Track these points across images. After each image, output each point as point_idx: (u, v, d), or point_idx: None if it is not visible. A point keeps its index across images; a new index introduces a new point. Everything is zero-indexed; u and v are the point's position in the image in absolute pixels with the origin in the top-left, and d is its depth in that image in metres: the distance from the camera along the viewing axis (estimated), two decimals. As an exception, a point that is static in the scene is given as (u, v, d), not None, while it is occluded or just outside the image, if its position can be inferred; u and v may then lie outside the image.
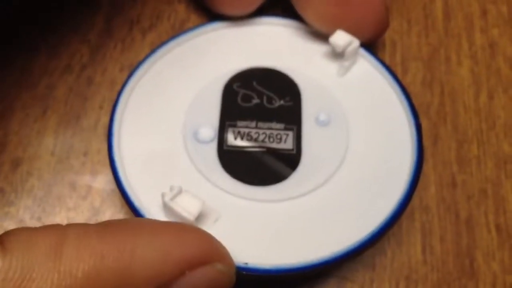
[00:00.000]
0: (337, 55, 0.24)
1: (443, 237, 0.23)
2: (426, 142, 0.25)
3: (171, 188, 0.19)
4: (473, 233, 0.23)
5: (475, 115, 0.26)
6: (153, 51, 0.24)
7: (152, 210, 0.20)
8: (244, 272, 0.19)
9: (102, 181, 0.23)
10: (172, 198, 0.19)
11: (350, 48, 0.23)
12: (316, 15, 0.24)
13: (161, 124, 0.22)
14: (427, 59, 0.27)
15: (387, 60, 0.27)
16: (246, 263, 0.19)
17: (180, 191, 0.19)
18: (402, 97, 0.23)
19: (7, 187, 0.23)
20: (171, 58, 0.24)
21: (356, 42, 0.23)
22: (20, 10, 0.27)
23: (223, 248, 0.18)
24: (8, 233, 0.15)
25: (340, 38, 0.23)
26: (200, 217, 0.19)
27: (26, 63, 0.26)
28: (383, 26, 0.24)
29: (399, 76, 0.26)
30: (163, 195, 0.19)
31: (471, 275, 0.22)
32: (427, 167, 0.24)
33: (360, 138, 0.22)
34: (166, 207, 0.19)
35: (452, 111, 0.26)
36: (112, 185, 0.23)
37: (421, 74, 0.27)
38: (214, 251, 0.17)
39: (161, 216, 0.20)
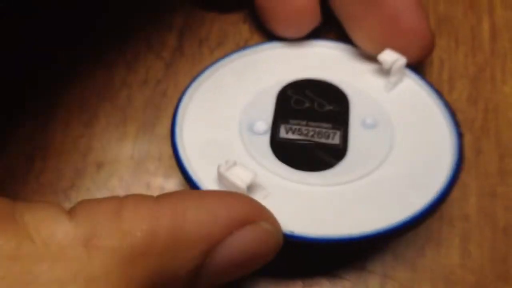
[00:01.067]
0: (385, 72, 0.26)
1: (481, 244, 0.25)
2: (469, 154, 0.27)
3: (226, 162, 0.21)
4: (509, 241, 0.25)
5: (517, 131, 0.28)
6: (217, 60, 0.27)
7: (207, 183, 0.22)
8: (290, 239, 0.20)
9: (173, 183, 0.26)
10: (227, 169, 0.21)
11: (396, 65, 0.25)
12: (366, 37, 0.26)
13: (219, 119, 0.25)
14: (473, 78, 0.29)
15: (434, 77, 0.29)
16: (292, 231, 0.20)
17: (234, 164, 0.21)
18: (444, 110, 0.25)
19: (92, 186, 0.26)
20: (232, 68, 0.27)
21: (402, 60, 0.25)
22: (102, 33, 0.30)
23: (268, 211, 0.19)
24: (76, 204, 0.17)
25: (388, 55, 0.25)
26: (251, 189, 0.21)
27: (108, 77, 0.29)
28: (429, 49, 0.26)
29: (446, 93, 0.28)
30: (218, 167, 0.21)
31: (506, 279, 0.24)
32: (469, 178, 0.26)
33: (403, 142, 0.24)
34: (221, 177, 0.21)
35: (495, 127, 0.28)
36: (183, 187, 0.26)
37: (467, 91, 0.29)
38: (259, 212, 0.19)
39: (215, 188, 0.22)
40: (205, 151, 0.23)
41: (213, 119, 0.25)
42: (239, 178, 0.21)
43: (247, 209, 0.19)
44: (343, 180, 0.23)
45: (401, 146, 0.24)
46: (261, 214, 0.19)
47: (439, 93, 0.25)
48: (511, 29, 0.30)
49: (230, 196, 0.19)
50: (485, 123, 0.28)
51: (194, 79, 0.26)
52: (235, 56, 0.27)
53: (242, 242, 0.18)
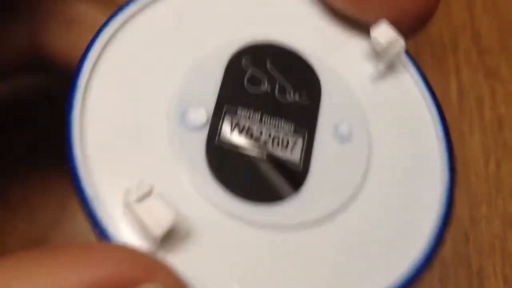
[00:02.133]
0: (374, 55, 0.20)
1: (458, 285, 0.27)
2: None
3: (138, 185, 0.15)
4: (483, 283, 0.27)
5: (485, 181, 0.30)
6: None
7: (110, 207, 0.15)
8: None
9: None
10: (138, 200, 0.15)
11: (392, 49, 0.19)
12: None
13: (145, 89, 0.18)
14: (443, 132, 0.32)
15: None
16: None
17: (149, 192, 0.15)
18: (438, 125, 0.19)
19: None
20: (168, 8, 0.19)
21: (401, 43, 0.19)
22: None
23: (164, 266, 0.14)
24: None
25: (383, 34, 0.18)
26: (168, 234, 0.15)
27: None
28: (431, 10, 0.19)
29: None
30: (126, 192, 0.15)
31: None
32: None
33: (384, 163, 0.18)
34: (129, 209, 0.15)
35: (465, 177, 0.30)
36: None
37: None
38: (143, 269, 0.13)
39: (120, 217, 0.15)
40: (116, 148, 0.17)
41: (135, 89, 0.18)
42: (152, 219, 0.14)
43: (119, 267, 0.13)
44: (295, 221, 0.17)
45: (379, 172, 0.18)
46: (148, 272, 0.13)
47: (435, 97, 0.20)
48: (475, 88, 0.33)
49: (93, 252, 0.13)
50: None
51: (106, 23, 0.18)
52: None
53: None
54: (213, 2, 0.19)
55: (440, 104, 0.19)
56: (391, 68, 0.20)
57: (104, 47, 0.18)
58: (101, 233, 0.15)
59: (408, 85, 0.20)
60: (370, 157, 0.18)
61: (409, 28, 0.19)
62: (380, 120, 0.19)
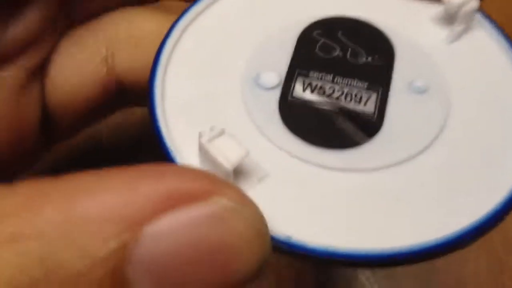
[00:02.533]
0: (448, 19, 0.20)
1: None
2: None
3: (212, 128, 0.16)
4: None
5: None
6: None
7: (186, 154, 0.16)
8: (284, 249, 0.15)
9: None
10: (210, 140, 0.15)
11: (465, 9, 0.19)
12: None
13: (218, 66, 0.19)
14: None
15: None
16: (289, 237, 0.15)
17: (221, 133, 0.16)
18: None
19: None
20: None
21: (473, 3, 0.19)
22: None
23: (232, 185, 0.13)
24: None
25: None
26: (241, 170, 0.16)
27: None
28: None
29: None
30: (200, 135, 0.16)
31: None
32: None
33: (462, 116, 0.18)
34: (202, 150, 0.16)
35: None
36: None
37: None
38: (212, 185, 0.13)
39: (194, 161, 0.16)
40: (192, 109, 0.18)
41: (209, 66, 0.19)
42: (223, 155, 0.15)
43: (190, 179, 0.13)
44: (372, 165, 0.17)
45: (459, 123, 0.18)
46: (216, 187, 0.13)
47: None
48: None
49: (162, 168, 0.13)
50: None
51: (187, 9, 0.20)
52: None
53: (184, 223, 0.12)
54: None
55: None
56: (466, 30, 0.20)
57: (182, 31, 0.19)
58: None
59: (486, 42, 0.19)
60: (448, 109, 0.18)
61: None
62: (459, 77, 0.19)
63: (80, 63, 0.22)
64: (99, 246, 0.12)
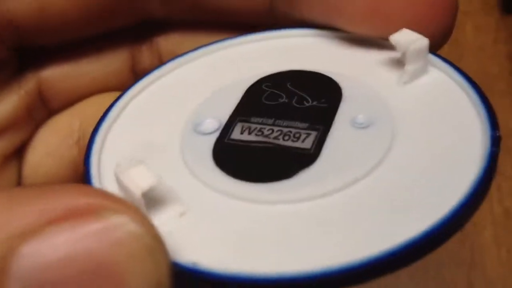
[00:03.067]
0: (399, 61, 0.19)
1: None
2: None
3: (131, 160, 0.15)
4: None
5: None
6: (181, 55, 0.21)
7: (106, 182, 0.16)
8: (189, 275, 0.14)
9: None
10: (125, 169, 0.15)
11: (414, 47, 0.18)
12: (356, 14, 0.19)
13: (164, 119, 0.19)
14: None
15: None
16: (195, 263, 0.14)
17: (138, 163, 0.15)
18: (480, 107, 0.17)
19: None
20: (199, 64, 0.21)
21: (423, 41, 0.18)
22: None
23: (126, 203, 0.13)
24: None
25: (403, 35, 0.18)
26: (157, 201, 0.15)
27: None
28: (449, 24, 0.19)
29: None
30: (117, 165, 0.15)
31: None
32: None
33: (406, 144, 0.17)
34: (117, 180, 0.16)
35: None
36: None
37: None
38: (103, 199, 0.12)
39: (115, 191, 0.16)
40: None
41: (157, 119, 0.19)
42: (134, 183, 0.15)
43: (79, 195, 0.12)
44: (302, 195, 0.16)
45: (401, 150, 0.16)
46: (109, 203, 0.12)
47: (476, 86, 0.18)
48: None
49: (58, 186, 0.13)
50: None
51: (152, 71, 0.20)
52: (202, 51, 0.21)
53: (68, 237, 0.11)
54: (232, 58, 0.21)
55: (479, 87, 0.18)
56: (419, 71, 0.19)
57: (125, 105, 0.19)
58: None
59: (442, 81, 0.18)
60: (391, 140, 0.17)
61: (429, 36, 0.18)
62: (406, 113, 0.17)
63: (53, 145, 0.23)
64: None
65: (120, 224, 0.12)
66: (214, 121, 0.18)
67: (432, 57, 0.18)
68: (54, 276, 0.11)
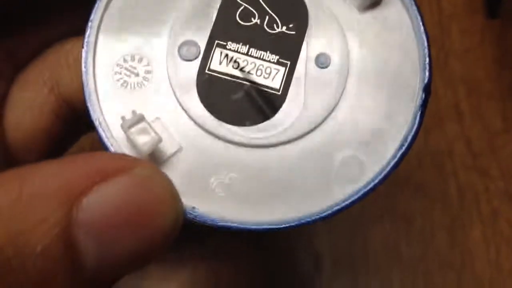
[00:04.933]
0: None
1: None
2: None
3: (133, 112, 0.18)
4: None
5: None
6: None
7: (113, 129, 0.19)
8: (190, 218, 0.18)
9: None
10: (130, 126, 0.18)
11: None
12: None
13: (144, 30, 0.20)
14: (448, 227, 0.38)
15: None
16: (194, 207, 0.18)
17: (140, 119, 0.18)
18: (420, 49, 0.20)
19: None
20: None
21: None
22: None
23: (145, 161, 0.17)
24: None
25: None
26: (156, 149, 0.18)
27: None
28: None
29: (428, 240, 0.36)
30: (122, 119, 0.18)
31: None
32: None
33: (360, 91, 0.20)
34: (125, 134, 0.18)
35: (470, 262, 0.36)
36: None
37: (445, 239, 0.37)
38: (130, 161, 0.17)
39: (120, 136, 0.19)
40: (120, 77, 0.20)
41: (136, 28, 0.20)
42: (140, 142, 0.18)
43: (112, 159, 0.17)
44: (271, 140, 0.19)
45: (353, 98, 0.20)
46: (133, 163, 0.16)
47: (424, 27, 0.20)
48: (472, 185, 0.39)
49: (91, 153, 0.17)
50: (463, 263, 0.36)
51: None
52: None
53: (113, 191, 0.15)
54: None
55: (427, 32, 0.20)
56: (380, 2, 0.21)
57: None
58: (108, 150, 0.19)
59: (399, 16, 0.20)
60: (345, 86, 0.20)
61: None
62: (364, 49, 0.20)
63: (30, 99, 0.23)
64: (49, 215, 0.15)
65: (147, 176, 0.16)
66: (194, 46, 0.20)
67: None
68: (109, 221, 0.15)
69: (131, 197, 0.16)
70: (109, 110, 0.19)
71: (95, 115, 0.19)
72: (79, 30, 0.22)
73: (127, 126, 0.18)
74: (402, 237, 0.37)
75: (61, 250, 0.15)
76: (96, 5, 0.20)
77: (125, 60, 0.20)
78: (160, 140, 0.18)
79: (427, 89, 0.19)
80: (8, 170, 0.16)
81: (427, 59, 0.20)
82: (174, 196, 0.17)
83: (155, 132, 0.18)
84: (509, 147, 0.39)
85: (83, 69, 0.19)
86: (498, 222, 0.38)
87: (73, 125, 0.25)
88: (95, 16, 0.20)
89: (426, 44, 0.20)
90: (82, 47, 0.20)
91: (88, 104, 0.19)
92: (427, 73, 0.19)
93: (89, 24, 0.20)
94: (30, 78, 0.24)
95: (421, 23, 0.20)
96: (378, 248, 0.37)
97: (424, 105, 0.19)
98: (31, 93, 0.23)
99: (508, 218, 0.38)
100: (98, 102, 0.19)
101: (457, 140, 0.40)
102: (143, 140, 0.18)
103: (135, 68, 0.20)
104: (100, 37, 0.20)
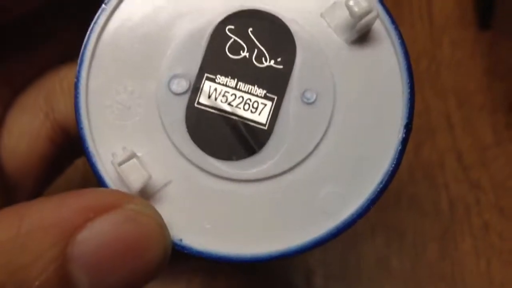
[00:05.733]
0: (349, 24, 0.20)
1: None
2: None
3: (124, 150, 0.19)
4: None
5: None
6: None
7: (106, 164, 0.19)
8: (177, 250, 0.19)
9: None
10: (121, 163, 0.18)
11: (366, 19, 0.20)
12: None
13: (137, 65, 0.20)
14: (439, 237, 0.38)
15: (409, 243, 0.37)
16: (181, 239, 0.19)
17: (130, 157, 0.19)
18: (406, 87, 0.20)
19: None
20: None
21: (374, 13, 0.20)
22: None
23: (136, 196, 0.18)
24: None
25: (358, 3, 0.20)
26: (149, 188, 0.19)
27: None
28: None
29: (420, 251, 0.36)
30: (113, 156, 0.19)
31: None
32: None
33: (344, 126, 0.20)
34: (115, 169, 0.19)
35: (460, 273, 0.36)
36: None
37: (436, 250, 0.37)
38: (122, 196, 0.17)
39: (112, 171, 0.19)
40: (111, 110, 0.20)
41: (128, 68, 0.20)
42: (131, 178, 0.18)
43: (106, 196, 0.17)
44: (256, 176, 0.20)
45: (337, 134, 0.20)
46: (124, 199, 0.17)
47: (408, 63, 0.20)
48: (463, 197, 0.39)
49: (84, 190, 0.17)
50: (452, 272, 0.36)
51: (97, 15, 0.21)
52: None
53: (105, 227, 0.16)
54: None
55: (411, 70, 0.20)
56: (365, 38, 0.21)
57: (98, 35, 0.20)
58: (101, 184, 0.19)
59: (384, 50, 0.21)
60: (330, 122, 0.20)
61: None
62: (349, 86, 0.20)
63: (26, 124, 0.24)
64: (46, 251, 0.15)
65: (137, 212, 0.17)
66: (184, 80, 0.20)
67: (379, 26, 0.21)
68: (103, 255, 0.16)
69: (122, 232, 0.16)
70: (101, 142, 0.20)
71: (87, 147, 0.19)
72: (76, 53, 0.23)
73: (117, 163, 0.18)
74: (394, 249, 0.38)
75: (57, 285, 0.16)
76: (87, 40, 0.20)
77: (117, 92, 0.20)
78: (149, 177, 0.19)
79: (408, 126, 0.20)
80: (8, 207, 0.17)
81: (410, 97, 0.20)
82: (162, 230, 0.17)
83: (145, 170, 0.19)
84: (500, 159, 0.40)
85: (76, 99, 0.20)
86: (489, 235, 0.38)
87: (68, 150, 0.25)
88: (87, 49, 0.20)
89: (410, 82, 0.20)
90: (75, 77, 0.20)
91: (81, 135, 0.19)
92: (409, 111, 0.20)
93: (81, 57, 0.20)
94: (26, 103, 0.24)
95: (406, 61, 0.20)
96: (370, 261, 0.37)
97: (404, 142, 0.20)
98: (27, 118, 0.24)
99: (499, 230, 0.38)
100: (91, 134, 0.20)
101: (448, 153, 0.40)
102: (133, 177, 0.18)
103: (126, 101, 0.20)
104: (93, 71, 0.20)
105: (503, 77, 0.41)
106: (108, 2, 0.20)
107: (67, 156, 0.26)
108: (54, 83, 0.24)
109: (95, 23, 0.20)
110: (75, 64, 0.20)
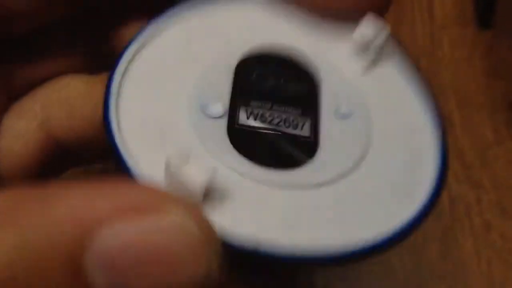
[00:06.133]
0: (361, 48, 0.21)
1: None
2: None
3: (180, 154, 0.17)
4: None
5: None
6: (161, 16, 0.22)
7: (151, 176, 0.18)
8: (250, 254, 0.17)
9: None
10: (180, 166, 0.16)
11: (376, 42, 0.21)
12: None
13: (164, 94, 0.20)
14: (440, 237, 0.38)
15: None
16: (257, 244, 0.17)
17: (187, 159, 0.17)
18: (425, 101, 0.21)
19: None
20: (181, 29, 0.22)
21: (384, 32, 0.20)
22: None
23: (181, 200, 0.15)
24: None
25: (367, 27, 0.20)
26: (208, 192, 0.17)
27: None
28: None
29: (419, 247, 0.36)
30: (168, 160, 0.17)
31: None
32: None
33: (381, 136, 0.20)
34: (170, 175, 0.17)
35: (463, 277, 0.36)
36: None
37: (437, 249, 0.37)
38: (160, 199, 0.14)
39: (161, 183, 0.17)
40: (145, 133, 0.19)
41: (159, 95, 0.20)
42: (192, 182, 0.16)
43: (144, 194, 0.15)
44: (313, 182, 0.19)
45: (379, 142, 0.20)
46: (165, 205, 0.14)
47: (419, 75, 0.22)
48: (463, 196, 0.39)
49: (110, 182, 0.15)
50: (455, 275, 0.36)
51: (132, 39, 0.21)
52: (183, 14, 0.22)
53: (131, 231, 0.14)
54: (217, 22, 0.22)
55: (431, 92, 0.21)
56: (377, 60, 0.21)
57: (129, 62, 0.20)
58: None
59: (392, 73, 0.21)
60: (369, 131, 0.20)
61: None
62: (375, 100, 0.21)
63: (19, 131, 0.24)
64: (67, 239, 0.14)
65: (177, 221, 0.14)
66: (218, 104, 0.20)
67: (389, 50, 0.21)
68: (123, 257, 0.14)
69: (155, 241, 0.14)
70: (141, 156, 0.18)
71: (131, 168, 0.18)
72: (78, 68, 0.24)
73: (176, 165, 0.16)
74: (394, 249, 0.37)
75: (70, 277, 0.14)
76: (117, 69, 0.20)
77: (150, 125, 0.19)
78: (213, 175, 0.17)
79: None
80: (34, 189, 0.15)
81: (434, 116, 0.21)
82: (206, 244, 0.14)
83: (206, 169, 0.17)
84: (501, 159, 0.39)
85: (108, 120, 0.19)
86: (490, 234, 0.38)
87: (60, 159, 0.24)
88: (116, 73, 0.20)
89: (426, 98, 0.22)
90: (106, 96, 0.19)
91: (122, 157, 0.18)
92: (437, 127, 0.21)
93: (112, 80, 0.20)
94: (22, 109, 0.24)
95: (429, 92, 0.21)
96: (371, 261, 0.37)
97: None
98: (22, 123, 0.24)
99: (500, 230, 0.38)
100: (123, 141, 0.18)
101: (449, 152, 0.40)
102: (197, 177, 0.16)
103: (157, 128, 0.19)
104: (124, 94, 0.20)
105: (503, 76, 0.41)
106: (142, 32, 0.21)
107: (60, 164, 0.26)
108: (52, 93, 0.24)
109: (126, 48, 0.20)
110: (76, 76, 0.21)
